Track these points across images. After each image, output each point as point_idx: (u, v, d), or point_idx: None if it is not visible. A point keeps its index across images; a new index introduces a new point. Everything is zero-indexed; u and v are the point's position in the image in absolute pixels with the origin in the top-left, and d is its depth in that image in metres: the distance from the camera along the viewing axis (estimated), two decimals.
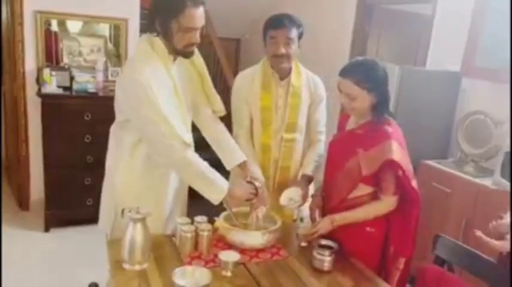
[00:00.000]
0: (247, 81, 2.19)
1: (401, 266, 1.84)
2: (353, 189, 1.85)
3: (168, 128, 1.71)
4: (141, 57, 1.78)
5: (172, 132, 1.72)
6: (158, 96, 1.70)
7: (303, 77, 2.19)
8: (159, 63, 1.76)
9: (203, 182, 1.79)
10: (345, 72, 1.80)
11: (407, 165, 1.80)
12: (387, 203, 1.82)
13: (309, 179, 2.16)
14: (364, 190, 1.85)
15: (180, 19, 1.68)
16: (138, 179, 1.86)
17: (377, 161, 1.77)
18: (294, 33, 2.04)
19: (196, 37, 1.76)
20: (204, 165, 1.80)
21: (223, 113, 2.07)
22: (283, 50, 2.05)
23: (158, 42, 1.76)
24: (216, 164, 1.95)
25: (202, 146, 2.09)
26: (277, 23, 2.04)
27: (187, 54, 1.81)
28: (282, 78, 2.14)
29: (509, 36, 2.72)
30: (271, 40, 2.06)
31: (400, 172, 1.77)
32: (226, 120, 2.17)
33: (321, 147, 2.25)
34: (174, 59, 1.82)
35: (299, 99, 2.16)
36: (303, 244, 1.88)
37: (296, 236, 1.91)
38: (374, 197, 1.85)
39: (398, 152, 1.76)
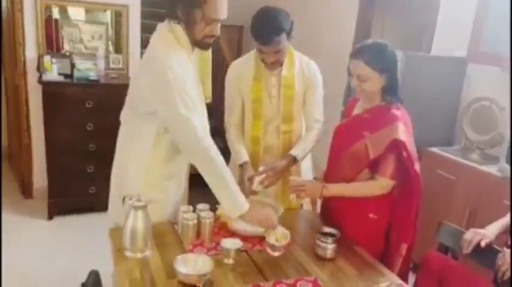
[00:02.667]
0: (240, 71, 2.16)
1: (403, 252, 1.84)
2: (358, 174, 1.84)
3: (199, 121, 1.69)
4: (164, 44, 1.71)
5: (202, 126, 1.70)
6: (190, 87, 1.67)
7: (296, 65, 2.12)
8: (182, 51, 1.72)
9: (223, 191, 1.73)
10: (356, 53, 1.79)
11: (412, 147, 1.79)
12: (382, 184, 1.81)
13: (290, 160, 2.10)
14: (368, 175, 1.83)
15: (204, 9, 1.65)
16: (156, 169, 1.81)
17: (383, 142, 1.76)
18: (283, 39, 1.95)
19: (217, 29, 1.73)
20: (229, 174, 1.73)
21: (208, 100, 2.04)
22: (271, 59, 2.01)
23: (180, 30, 1.71)
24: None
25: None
26: (263, 39, 1.93)
27: (205, 46, 1.77)
28: (273, 69, 2.09)
29: (509, 24, 2.67)
30: (260, 51, 2.00)
31: (405, 153, 1.76)
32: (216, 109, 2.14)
33: (315, 134, 2.19)
34: (193, 49, 1.79)
35: (292, 90, 2.12)
36: (291, 196, 1.88)
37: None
38: None
39: (404, 134, 1.75)
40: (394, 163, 1.79)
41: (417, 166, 1.81)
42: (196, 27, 1.68)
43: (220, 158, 1.73)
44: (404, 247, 1.83)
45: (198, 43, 1.75)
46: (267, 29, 1.93)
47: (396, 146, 1.75)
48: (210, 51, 1.94)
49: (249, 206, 1.73)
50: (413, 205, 1.83)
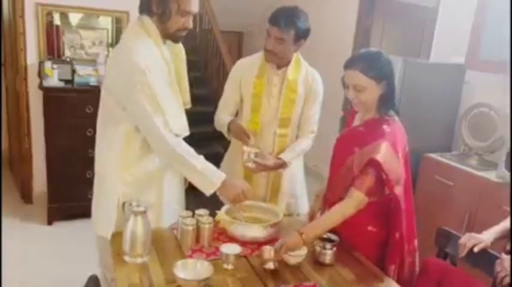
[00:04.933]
0: (245, 67, 2.19)
1: (391, 273, 1.77)
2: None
3: (161, 120, 1.71)
4: (133, 37, 1.76)
5: (164, 125, 1.72)
6: (155, 82, 1.69)
7: (302, 70, 2.15)
8: (151, 43, 1.75)
9: (194, 175, 1.79)
10: (350, 63, 1.74)
11: (392, 169, 1.68)
12: (355, 200, 1.67)
13: (281, 163, 2.11)
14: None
15: (180, 2, 1.71)
16: (134, 170, 1.84)
17: (364, 159, 1.69)
18: (288, 34, 2.00)
19: (190, 22, 1.79)
20: (198, 160, 1.78)
21: (188, 105, 2.06)
22: (269, 47, 2.04)
23: (149, 23, 1.76)
24: (217, 158, 1.94)
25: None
26: (274, 19, 2.02)
27: (177, 38, 1.82)
28: (278, 67, 2.13)
29: (509, 29, 2.69)
30: (267, 33, 2.06)
31: (384, 176, 1.68)
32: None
33: (307, 143, 2.21)
34: (164, 42, 1.82)
35: (295, 94, 2.13)
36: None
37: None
38: None
39: (385, 154, 1.66)
40: (372, 180, 1.68)
41: (398, 189, 1.71)
42: (171, 19, 1.74)
43: (187, 150, 1.77)
44: (391, 268, 1.77)
45: (171, 36, 1.80)
46: (281, 13, 2.01)
47: (372, 165, 1.67)
48: (183, 54, 1.95)
49: (220, 184, 1.78)
50: (397, 227, 1.76)
